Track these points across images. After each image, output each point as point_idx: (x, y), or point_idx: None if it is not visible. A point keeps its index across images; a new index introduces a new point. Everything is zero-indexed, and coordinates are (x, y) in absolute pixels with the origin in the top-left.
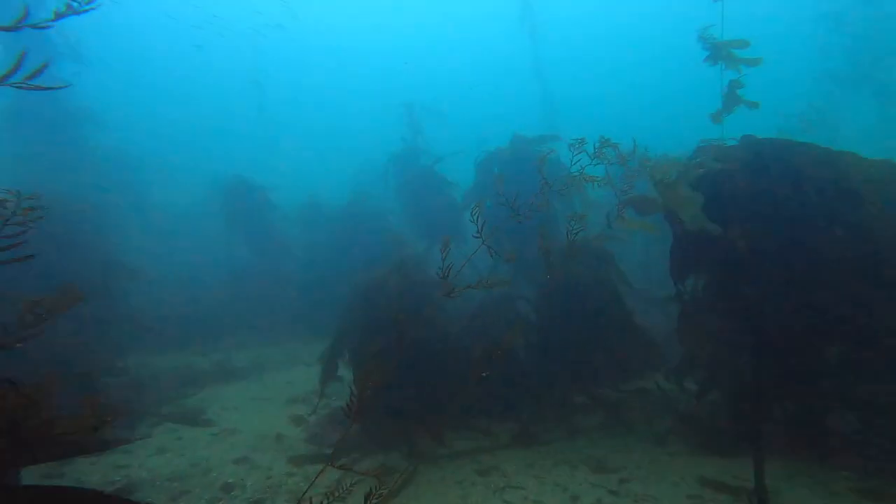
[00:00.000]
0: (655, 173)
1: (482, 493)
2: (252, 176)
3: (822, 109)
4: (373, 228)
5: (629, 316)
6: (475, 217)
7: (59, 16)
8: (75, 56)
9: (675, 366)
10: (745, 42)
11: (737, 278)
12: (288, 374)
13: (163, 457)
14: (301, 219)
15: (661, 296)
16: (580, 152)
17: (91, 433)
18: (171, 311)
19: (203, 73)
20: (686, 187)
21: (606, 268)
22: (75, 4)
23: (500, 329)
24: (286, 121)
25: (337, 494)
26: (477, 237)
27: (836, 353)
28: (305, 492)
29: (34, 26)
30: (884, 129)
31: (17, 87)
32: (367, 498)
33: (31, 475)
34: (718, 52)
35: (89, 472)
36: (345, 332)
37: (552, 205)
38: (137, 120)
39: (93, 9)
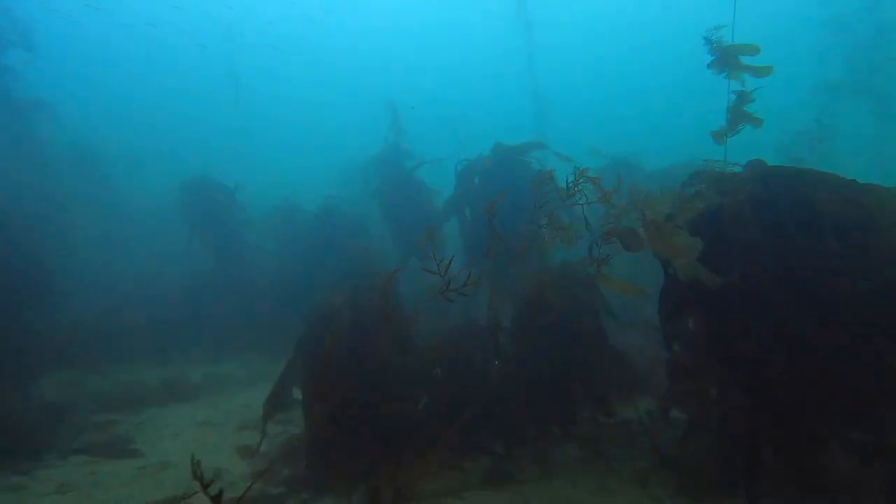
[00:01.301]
0: (646, 210)
1: None
2: (219, 174)
3: (830, 126)
4: (348, 236)
5: (610, 346)
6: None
7: None
8: (25, 43)
9: (660, 395)
10: (754, 48)
11: (736, 331)
12: (246, 395)
13: (63, 497)
14: (272, 224)
15: (646, 320)
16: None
17: None
18: (126, 322)
19: (177, 62)
20: (680, 229)
21: (588, 294)
22: None
23: (473, 362)
24: (265, 116)
25: None
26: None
27: (839, 405)
28: None
29: None
30: (882, 139)
31: None
32: None
33: None
34: (725, 57)
35: None
36: (293, 366)
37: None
38: (103, 113)
39: None
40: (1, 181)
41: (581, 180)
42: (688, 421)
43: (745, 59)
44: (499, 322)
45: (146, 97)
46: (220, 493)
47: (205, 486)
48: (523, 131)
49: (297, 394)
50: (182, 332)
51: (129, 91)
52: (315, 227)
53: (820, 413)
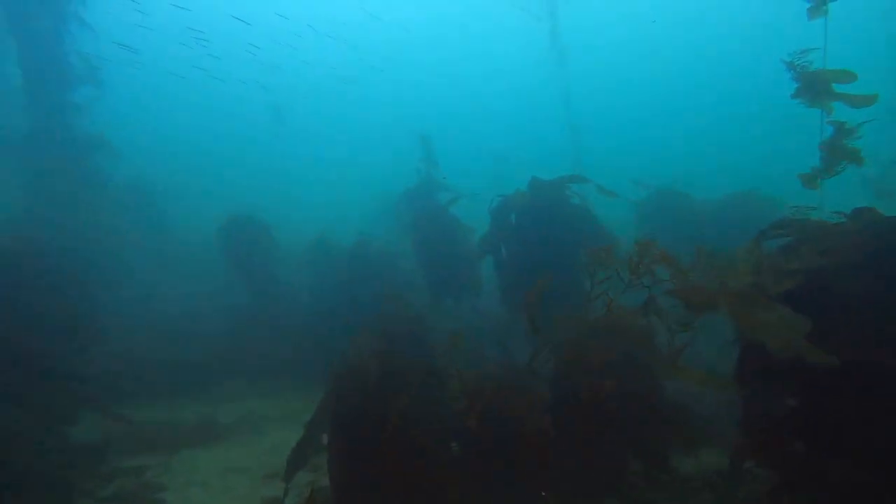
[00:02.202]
0: (725, 276)
1: None
2: (259, 210)
3: None
4: (381, 273)
5: (667, 404)
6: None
7: None
8: (93, 80)
9: (727, 446)
10: (850, 75)
11: (851, 414)
12: (277, 436)
13: None
14: (307, 259)
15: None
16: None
17: None
18: (165, 356)
19: (223, 97)
20: (774, 303)
21: (643, 349)
22: None
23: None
24: (302, 150)
25: None
26: None
27: None
28: None
29: None
30: None
31: None
32: None
33: None
34: (815, 85)
35: None
36: (321, 417)
37: (577, 263)
38: (157, 146)
39: None
40: (58, 217)
41: (647, 259)
42: (770, 478)
43: (839, 88)
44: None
45: (190, 131)
46: None
47: None
48: (559, 161)
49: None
50: (217, 367)
51: (174, 125)
52: (347, 265)
53: None
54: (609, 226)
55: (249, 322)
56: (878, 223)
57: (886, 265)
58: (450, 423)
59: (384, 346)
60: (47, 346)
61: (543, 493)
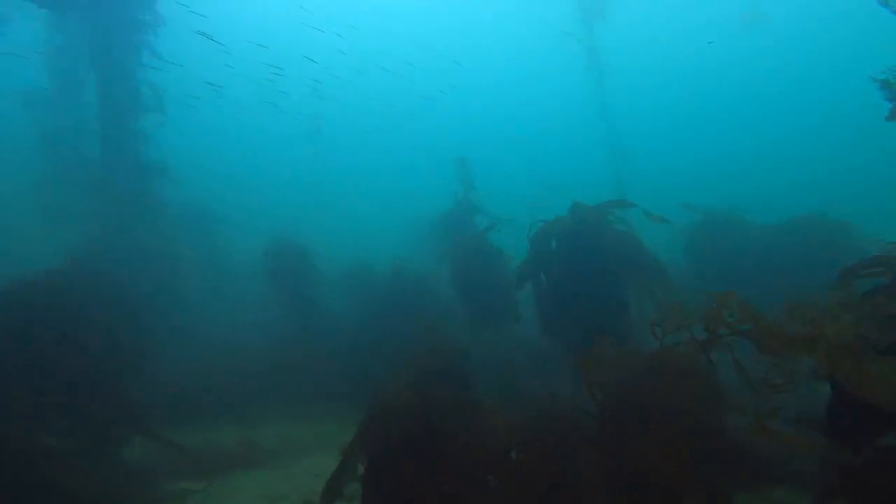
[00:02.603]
0: (823, 324)
1: None
2: (301, 233)
3: None
4: (418, 299)
5: (728, 440)
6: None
7: None
8: (159, 107)
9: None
10: None
11: None
12: (314, 461)
13: None
14: (346, 285)
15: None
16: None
17: None
18: (209, 379)
19: (267, 121)
20: (883, 357)
21: (705, 387)
22: None
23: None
24: (345, 171)
25: None
26: None
27: None
28: None
29: None
30: None
31: None
32: None
33: None
34: None
35: None
36: (356, 449)
37: (624, 292)
38: (210, 171)
39: None
40: (121, 242)
41: (721, 318)
42: None
43: None
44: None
45: (237, 155)
46: None
47: None
48: (600, 183)
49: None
50: (257, 390)
51: (222, 149)
52: (384, 290)
53: None
54: (656, 252)
55: (289, 346)
56: None
57: None
58: (489, 459)
59: (422, 379)
60: (101, 370)
61: None
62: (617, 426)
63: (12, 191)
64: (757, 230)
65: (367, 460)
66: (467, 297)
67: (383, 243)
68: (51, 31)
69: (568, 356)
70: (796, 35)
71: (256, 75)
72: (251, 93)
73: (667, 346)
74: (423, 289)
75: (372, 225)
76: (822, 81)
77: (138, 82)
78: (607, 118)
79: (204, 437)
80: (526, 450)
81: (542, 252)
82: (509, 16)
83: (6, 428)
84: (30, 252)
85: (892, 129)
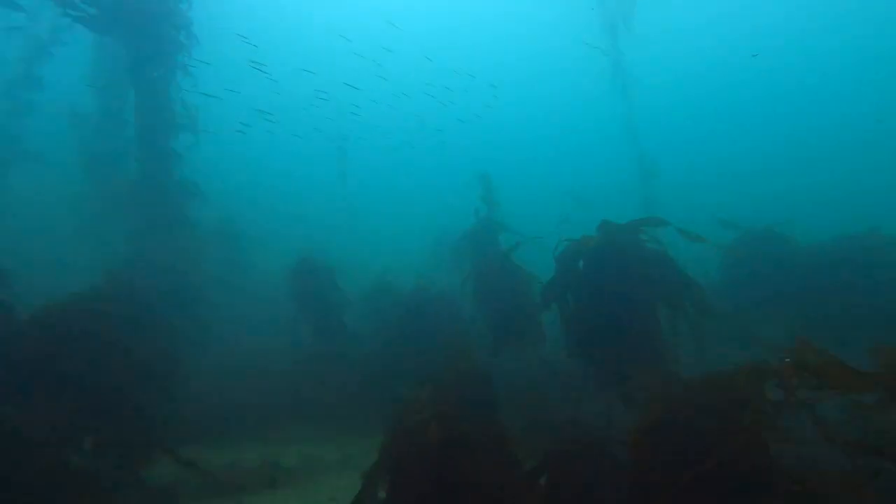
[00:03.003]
0: None
1: None
2: (325, 249)
3: None
4: (440, 319)
5: (781, 473)
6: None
7: None
8: (192, 127)
9: None
10: None
11: None
12: (335, 483)
13: None
14: (368, 302)
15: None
16: None
17: None
18: (233, 397)
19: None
20: None
21: (752, 418)
22: None
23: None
24: (365, 186)
25: None
26: None
27: None
28: None
29: None
30: None
31: None
32: None
33: None
34: None
35: None
36: (377, 474)
37: (656, 313)
38: (238, 189)
39: None
40: (154, 261)
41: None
42: None
43: None
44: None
45: (261, 172)
46: None
47: None
48: (628, 200)
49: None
50: (280, 408)
51: (245, 166)
52: (407, 310)
53: None
54: (691, 272)
55: (313, 364)
56: None
57: None
58: (515, 491)
59: (444, 404)
60: (129, 392)
61: None
62: (651, 454)
63: (56, 212)
64: (802, 249)
65: (388, 487)
66: (491, 317)
67: (408, 257)
68: (97, 53)
69: (597, 379)
70: (835, 44)
71: (293, 99)
72: (286, 114)
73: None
74: (447, 309)
75: (397, 241)
76: (865, 91)
77: (173, 102)
78: (634, 131)
79: (229, 457)
80: (553, 483)
81: (568, 272)
82: (536, 34)
83: (34, 449)
84: (70, 272)
85: None
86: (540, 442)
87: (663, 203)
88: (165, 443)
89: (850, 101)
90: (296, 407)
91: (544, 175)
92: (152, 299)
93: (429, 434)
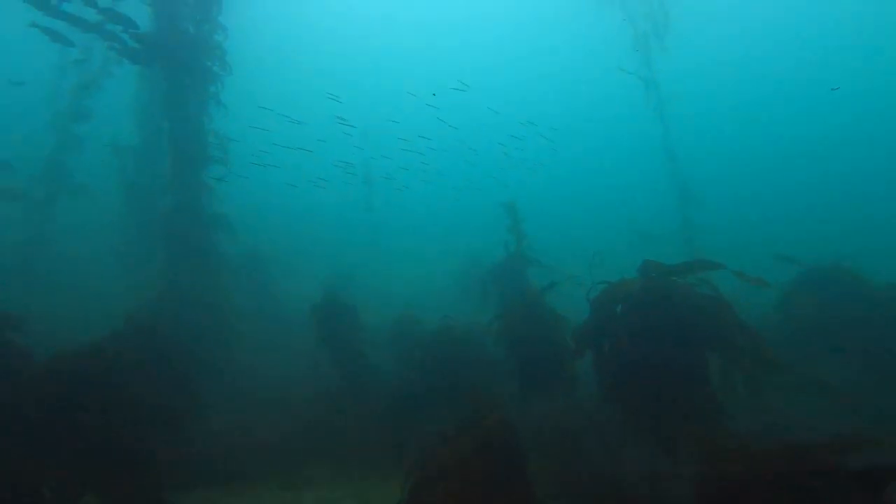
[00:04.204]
0: None
1: None
2: (350, 280)
3: None
4: (465, 360)
5: None
6: None
7: None
8: (223, 159)
9: None
10: None
11: None
12: None
13: None
14: (392, 338)
15: None
16: None
17: None
18: (252, 436)
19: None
20: None
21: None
22: None
23: None
24: (392, 219)
25: None
26: None
27: None
28: None
29: None
30: None
31: None
32: None
33: None
34: None
35: None
36: None
37: (705, 364)
38: (265, 220)
39: None
40: (184, 296)
41: None
42: None
43: None
44: None
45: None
46: None
47: None
48: (667, 229)
49: None
50: (301, 445)
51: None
52: (430, 350)
53: None
54: (746, 317)
55: (334, 402)
56: None
57: None
58: None
59: (469, 455)
60: (136, 438)
61: None
62: None
63: (99, 243)
64: (878, 288)
65: None
66: (519, 361)
67: (435, 282)
68: (141, 85)
69: (636, 429)
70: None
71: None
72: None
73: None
74: (472, 350)
75: (424, 266)
76: None
77: (205, 133)
78: (672, 158)
79: (245, 500)
80: None
81: (604, 317)
82: (570, 62)
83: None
84: (111, 301)
85: None
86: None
87: (706, 234)
88: (181, 484)
89: None
90: (316, 444)
91: (580, 206)
92: (175, 337)
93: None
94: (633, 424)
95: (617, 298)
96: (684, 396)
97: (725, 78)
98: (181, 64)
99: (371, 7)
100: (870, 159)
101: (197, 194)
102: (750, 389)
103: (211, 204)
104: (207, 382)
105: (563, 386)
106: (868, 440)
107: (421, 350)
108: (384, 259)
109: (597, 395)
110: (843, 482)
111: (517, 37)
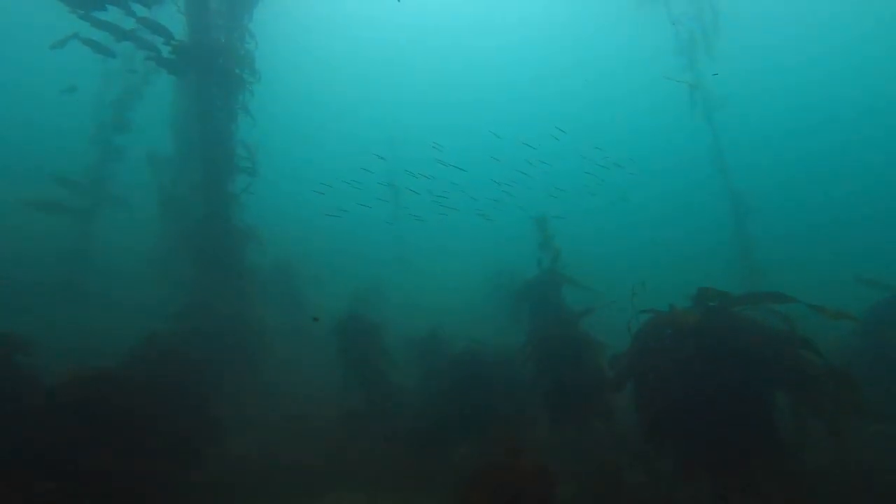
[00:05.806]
0: None
1: None
2: (371, 306)
3: None
4: (492, 387)
5: None
6: None
7: None
8: (251, 170)
9: None
10: None
11: None
12: None
13: None
14: (416, 358)
15: None
16: None
17: None
18: (273, 458)
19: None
20: None
21: None
22: None
23: None
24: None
25: None
26: None
27: None
28: None
29: None
30: None
31: None
32: None
33: None
34: None
35: None
36: None
37: (770, 403)
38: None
39: None
40: (212, 309)
41: None
42: None
43: None
44: None
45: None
46: None
47: None
48: (717, 245)
49: None
50: (322, 466)
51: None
52: (455, 374)
53: None
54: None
55: (357, 421)
56: None
57: None
58: None
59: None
60: (153, 458)
61: None
62: None
63: (134, 255)
64: None
65: None
66: (553, 388)
67: (464, 297)
68: (176, 95)
69: (685, 471)
70: None
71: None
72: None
73: None
74: (503, 374)
75: (453, 281)
76: None
77: (234, 144)
78: (724, 171)
79: None
80: None
81: (649, 348)
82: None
83: None
84: (144, 315)
85: None
86: None
87: (762, 251)
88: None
89: None
90: (337, 466)
91: (621, 221)
92: (196, 357)
93: None
94: (682, 466)
95: (666, 330)
96: (744, 439)
97: (782, 84)
98: (214, 72)
99: (407, 16)
100: None
101: (226, 205)
102: (831, 433)
103: (239, 215)
104: (229, 403)
105: (599, 416)
106: None
107: (448, 375)
108: (412, 272)
109: (639, 430)
110: None
111: (553, 40)
